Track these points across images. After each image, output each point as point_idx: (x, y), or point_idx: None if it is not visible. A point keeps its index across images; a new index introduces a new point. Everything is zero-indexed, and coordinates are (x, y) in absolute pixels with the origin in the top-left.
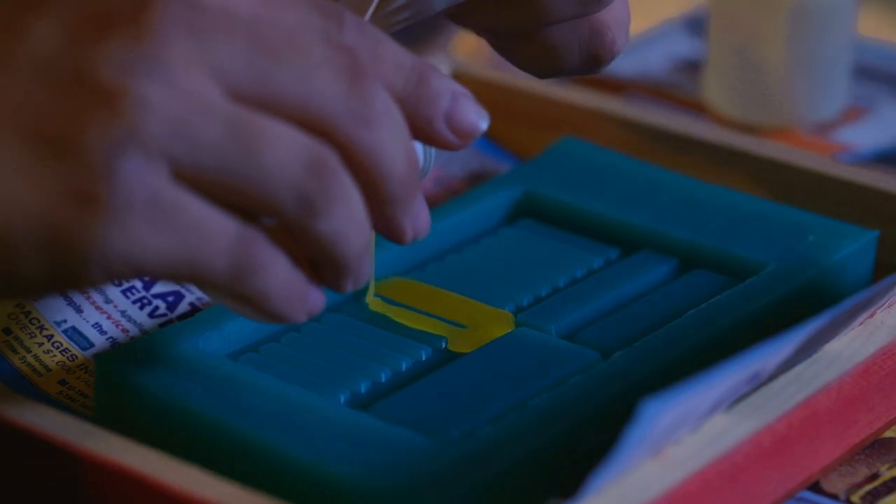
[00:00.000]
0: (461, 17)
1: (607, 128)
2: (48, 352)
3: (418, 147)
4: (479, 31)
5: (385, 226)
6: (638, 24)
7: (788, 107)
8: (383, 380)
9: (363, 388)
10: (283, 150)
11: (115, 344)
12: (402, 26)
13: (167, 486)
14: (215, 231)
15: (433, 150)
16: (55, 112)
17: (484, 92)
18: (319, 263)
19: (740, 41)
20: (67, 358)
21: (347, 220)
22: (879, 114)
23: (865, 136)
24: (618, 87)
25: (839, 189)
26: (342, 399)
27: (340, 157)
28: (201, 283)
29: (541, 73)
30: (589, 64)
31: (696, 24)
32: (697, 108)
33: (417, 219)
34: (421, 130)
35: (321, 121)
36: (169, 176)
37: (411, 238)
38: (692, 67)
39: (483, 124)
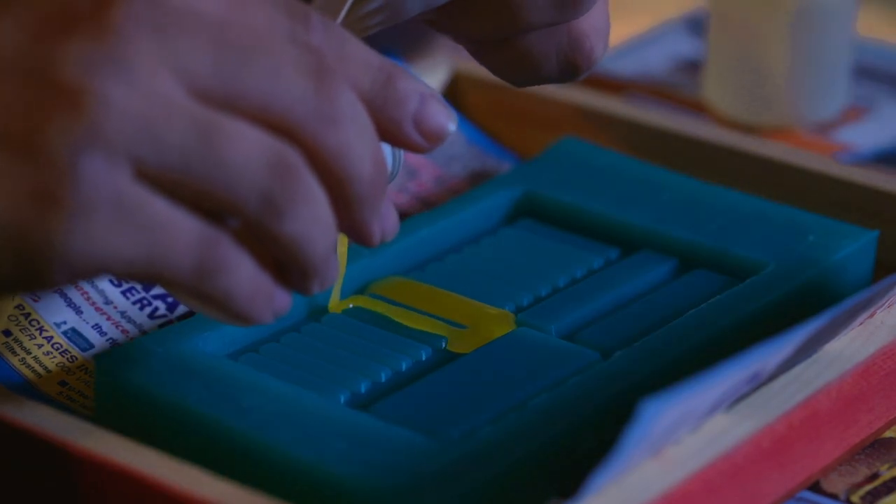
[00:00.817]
0: (437, 23)
1: (607, 128)
2: (48, 353)
3: (387, 149)
4: (456, 37)
5: (352, 228)
6: (638, 24)
7: (788, 107)
8: (383, 380)
9: (363, 388)
10: (247, 150)
11: (114, 345)
12: (375, 31)
13: (167, 486)
14: (178, 230)
15: (401, 153)
16: (17, 111)
17: (484, 92)
18: (285, 265)
19: (740, 41)
20: (67, 359)
21: (312, 221)
22: (879, 114)
23: (865, 136)
24: (618, 87)
25: (839, 189)
26: (342, 399)
27: (306, 158)
28: (165, 283)
29: (518, 81)
30: (566, 72)
31: (696, 24)
32: (697, 108)
33: (386, 220)
34: (388, 132)
35: (286, 121)
36: (132, 175)
37: (379, 240)
38: (692, 67)
39: (451, 126)
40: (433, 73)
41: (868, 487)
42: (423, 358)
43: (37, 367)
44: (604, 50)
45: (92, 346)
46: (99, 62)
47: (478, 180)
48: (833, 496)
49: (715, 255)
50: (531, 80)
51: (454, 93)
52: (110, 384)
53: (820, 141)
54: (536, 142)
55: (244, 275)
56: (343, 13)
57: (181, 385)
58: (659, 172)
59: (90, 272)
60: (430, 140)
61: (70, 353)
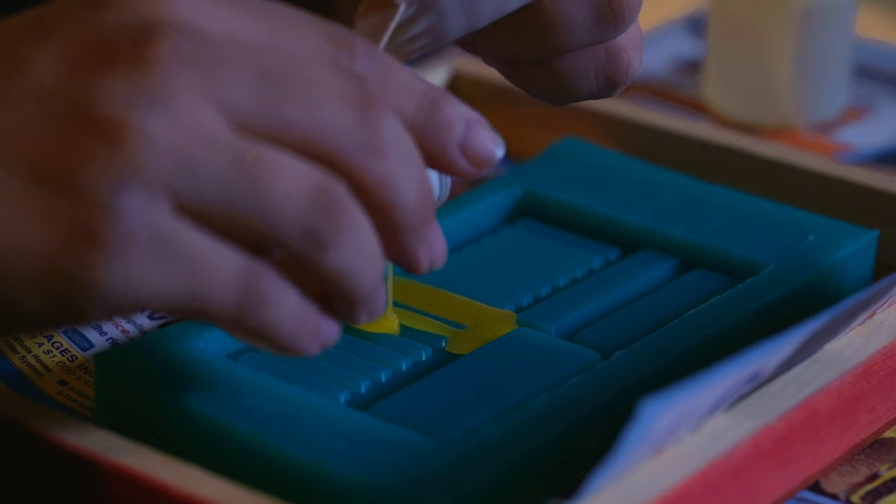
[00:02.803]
0: (474, 45)
1: (607, 128)
2: (48, 352)
3: (433, 175)
4: (493, 59)
5: (400, 256)
6: None
7: (788, 107)
8: (383, 380)
9: (363, 388)
10: (289, 183)
11: (114, 345)
12: (417, 55)
13: (167, 486)
14: (220, 265)
15: (448, 178)
16: (56, 147)
17: (484, 92)
18: (331, 296)
19: (740, 41)
20: (67, 358)
21: (357, 252)
22: (879, 114)
23: (865, 136)
24: None
25: (839, 189)
26: (342, 399)
27: (350, 189)
28: (207, 318)
29: (555, 101)
30: (605, 88)
31: (696, 24)
32: (697, 108)
33: (433, 248)
34: (435, 158)
35: (330, 152)
36: (172, 210)
37: (427, 268)
38: (692, 67)
39: (499, 152)
40: (433, 73)
41: (868, 487)
42: (423, 358)
43: (37, 365)
44: (640, 63)
45: (92, 345)
46: (139, 97)
47: (477, 181)
48: (833, 496)
49: (715, 255)
50: (569, 99)
51: (454, 93)
52: (110, 384)
53: (820, 141)
54: (536, 142)
55: (288, 307)
56: (386, 38)
57: (181, 385)
58: (659, 172)
59: (130, 308)
60: (476, 166)
61: (70, 352)
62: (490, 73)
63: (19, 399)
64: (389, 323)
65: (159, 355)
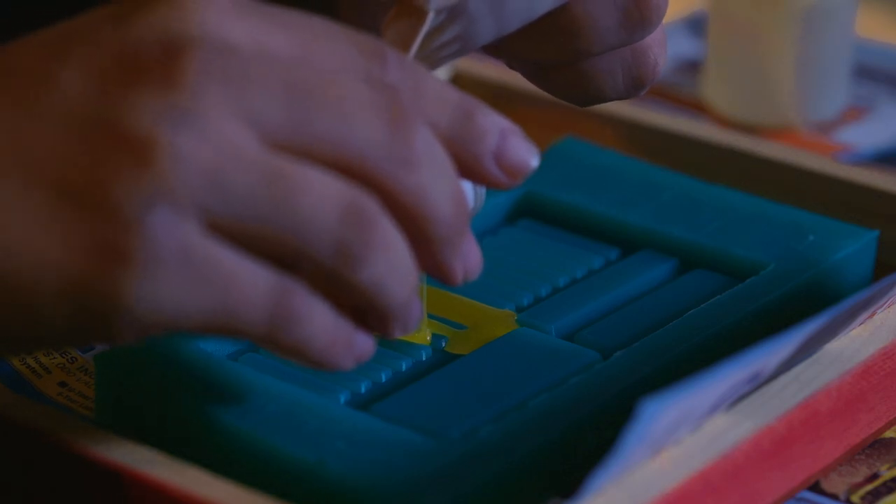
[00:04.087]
0: (500, 49)
1: (607, 128)
2: (48, 353)
3: (467, 186)
4: (517, 62)
5: (434, 268)
6: None
7: (788, 107)
8: (383, 380)
9: (363, 388)
10: (320, 199)
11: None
12: (447, 62)
13: (167, 486)
14: (250, 283)
15: (483, 189)
16: (84, 163)
17: (484, 92)
18: (364, 310)
19: (740, 41)
20: (67, 359)
21: (389, 267)
22: (879, 114)
23: (865, 136)
24: None
25: (839, 189)
26: (342, 399)
27: (383, 202)
28: (239, 336)
29: (582, 102)
30: (632, 88)
31: (696, 24)
32: (697, 108)
33: (468, 259)
34: (469, 169)
35: (361, 165)
36: (201, 228)
37: (462, 280)
38: (692, 67)
39: (534, 161)
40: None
41: (868, 487)
42: (423, 358)
43: (37, 367)
44: (665, 61)
45: (92, 346)
46: (168, 113)
47: None
48: (833, 496)
49: (715, 255)
50: (596, 100)
51: None
52: (110, 384)
53: (820, 141)
54: (536, 142)
55: (321, 323)
56: (415, 46)
57: (181, 385)
58: (659, 172)
59: (157, 327)
60: (511, 176)
61: (70, 353)
62: (491, 73)
63: (19, 399)
64: (422, 335)
65: (159, 355)
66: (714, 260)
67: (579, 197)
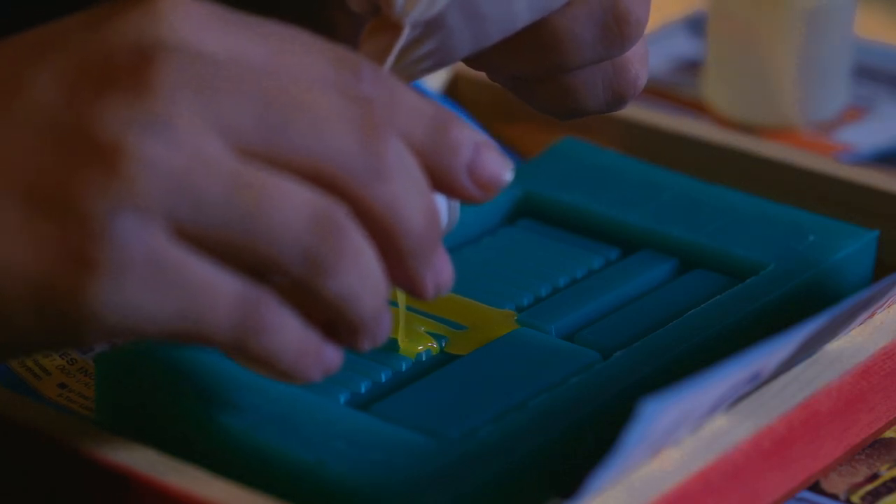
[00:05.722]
0: (479, 62)
1: (607, 128)
2: (47, 355)
3: (441, 200)
4: (497, 75)
5: (405, 281)
6: None
7: (788, 107)
8: (383, 380)
9: (363, 388)
10: (289, 208)
11: (114, 346)
12: (424, 75)
13: (167, 486)
14: (218, 291)
15: (457, 203)
16: (52, 169)
17: (484, 92)
18: (333, 322)
19: (740, 41)
20: (67, 361)
21: (358, 279)
22: (879, 114)
23: (865, 136)
24: None
25: (839, 189)
26: (342, 399)
27: (354, 214)
28: (206, 344)
29: (562, 115)
30: (613, 102)
31: (696, 24)
32: (697, 108)
33: (440, 274)
34: (442, 182)
35: (332, 176)
36: (169, 235)
37: (433, 294)
38: (692, 67)
39: (507, 175)
40: (434, 76)
41: (868, 487)
42: (423, 358)
43: (36, 369)
44: (646, 75)
45: (91, 347)
46: (137, 120)
47: None
48: (833, 496)
49: (715, 255)
50: (577, 114)
51: (454, 93)
52: (110, 385)
53: (820, 141)
54: (536, 142)
55: (289, 334)
56: (391, 60)
57: (181, 385)
58: (659, 172)
59: (124, 333)
60: (484, 189)
61: (69, 354)
62: None
63: (19, 399)
64: (413, 346)
65: (159, 356)
66: (714, 260)
67: (579, 197)
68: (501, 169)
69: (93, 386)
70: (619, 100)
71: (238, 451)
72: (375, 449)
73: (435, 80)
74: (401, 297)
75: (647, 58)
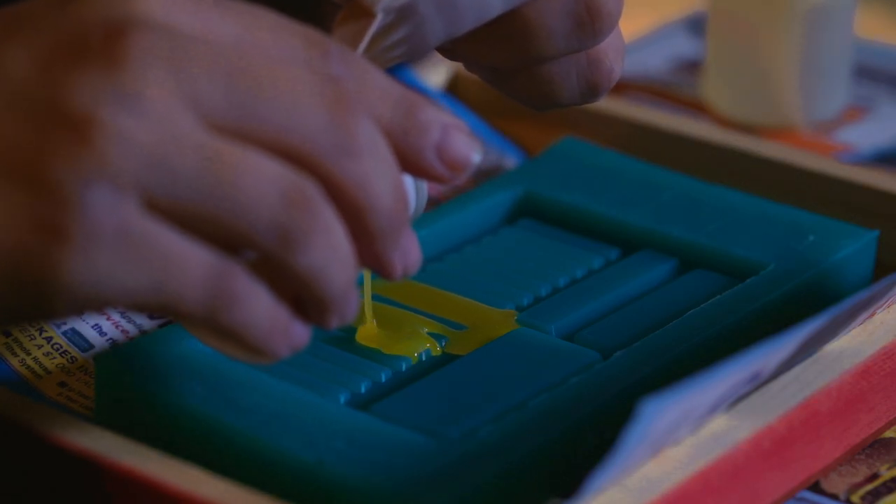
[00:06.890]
0: (454, 52)
1: (607, 128)
2: (48, 354)
3: (409, 181)
4: (471, 65)
5: (373, 261)
6: (638, 24)
7: (788, 107)
8: (383, 380)
9: (363, 388)
10: (260, 182)
11: (114, 345)
12: (396, 62)
13: (167, 486)
14: (189, 263)
15: (425, 184)
16: (22, 141)
17: (484, 91)
18: (303, 298)
19: (740, 41)
20: (67, 360)
21: (328, 253)
22: (879, 114)
23: (865, 136)
24: (618, 87)
25: (839, 189)
26: (342, 399)
27: (323, 190)
28: (177, 317)
29: (538, 106)
30: (587, 94)
31: (696, 24)
32: (697, 108)
33: (408, 254)
34: (410, 162)
35: (303, 152)
36: (140, 207)
37: (400, 274)
38: (692, 67)
39: (475, 156)
40: (433, 72)
41: (868, 487)
42: (423, 358)
43: (36, 367)
44: (621, 69)
45: (92, 346)
46: (109, 93)
47: (480, 175)
48: (833, 496)
49: (715, 255)
50: (552, 105)
51: (454, 92)
52: (110, 384)
53: (820, 141)
54: (536, 142)
55: (259, 308)
56: (363, 46)
57: (181, 385)
58: (659, 172)
59: (94, 305)
60: (453, 170)
61: (70, 353)
62: None
63: (19, 399)
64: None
65: (159, 355)
66: (714, 260)
67: (579, 197)
68: (470, 150)
69: (93, 385)
70: (593, 91)
71: (238, 451)
72: (375, 449)
73: (435, 80)
74: (367, 284)
75: (623, 50)
